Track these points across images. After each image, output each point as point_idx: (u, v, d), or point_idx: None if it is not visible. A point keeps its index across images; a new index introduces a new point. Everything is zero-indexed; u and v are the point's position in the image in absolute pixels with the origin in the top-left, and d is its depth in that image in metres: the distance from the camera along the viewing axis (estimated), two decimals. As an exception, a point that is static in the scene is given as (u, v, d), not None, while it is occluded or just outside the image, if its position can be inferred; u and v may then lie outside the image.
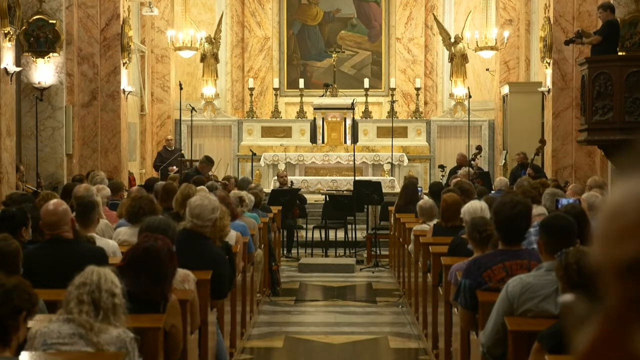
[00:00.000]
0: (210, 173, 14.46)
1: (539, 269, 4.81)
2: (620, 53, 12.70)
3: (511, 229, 5.34)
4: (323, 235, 15.13)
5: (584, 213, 6.23)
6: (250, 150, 19.72)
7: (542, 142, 16.46)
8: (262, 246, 10.71)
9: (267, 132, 21.43)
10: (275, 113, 21.81)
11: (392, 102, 20.99)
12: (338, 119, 20.94)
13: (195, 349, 5.77)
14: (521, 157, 16.45)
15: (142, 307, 4.67)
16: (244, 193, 10.27)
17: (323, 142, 20.96)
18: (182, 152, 19.52)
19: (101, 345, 4.09)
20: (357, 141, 20.62)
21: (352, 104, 19.88)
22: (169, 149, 18.78)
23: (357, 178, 16.95)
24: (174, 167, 17.49)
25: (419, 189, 13.43)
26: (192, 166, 16.70)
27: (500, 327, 4.75)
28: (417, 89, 21.72)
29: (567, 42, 12.97)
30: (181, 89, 18.77)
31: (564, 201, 7.78)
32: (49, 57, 15.01)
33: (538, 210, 7.34)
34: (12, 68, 12.80)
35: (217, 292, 6.32)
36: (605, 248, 0.87)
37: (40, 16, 14.99)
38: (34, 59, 14.97)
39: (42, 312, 4.67)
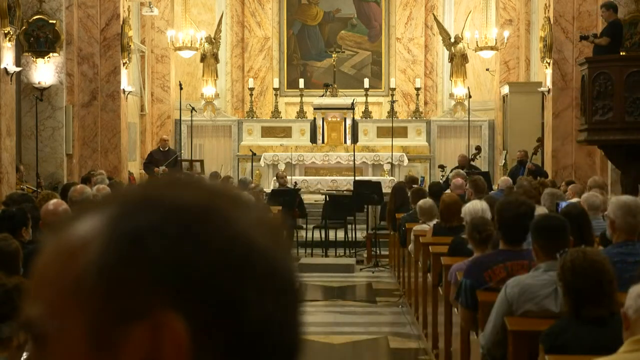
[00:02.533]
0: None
1: (536, 270, 4.81)
2: (620, 53, 12.71)
3: (515, 229, 5.35)
4: (323, 235, 15.13)
5: (584, 213, 6.23)
6: (250, 150, 19.72)
7: (539, 140, 16.54)
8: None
9: (267, 132, 21.43)
10: (275, 113, 21.80)
11: (392, 102, 20.98)
12: (338, 119, 20.94)
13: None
14: (522, 154, 16.51)
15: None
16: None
17: (323, 142, 20.96)
18: (178, 153, 19.06)
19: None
20: (357, 141, 20.62)
21: (352, 104, 19.88)
22: (162, 149, 18.25)
23: (357, 178, 16.95)
24: (160, 169, 16.88)
25: (421, 177, 13.42)
26: (191, 165, 16.73)
27: (499, 328, 4.75)
28: (417, 89, 21.71)
29: (582, 38, 12.97)
30: (181, 89, 18.77)
31: (563, 204, 7.78)
32: (49, 57, 15.01)
33: (539, 211, 7.34)
34: (12, 68, 12.80)
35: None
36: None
37: (40, 16, 14.99)
38: (34, 59, 14.97)
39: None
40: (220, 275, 0.87)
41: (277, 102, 21.82)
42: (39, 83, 14.91)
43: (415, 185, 12.94)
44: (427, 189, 12.44)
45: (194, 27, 21.37)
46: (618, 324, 3.62)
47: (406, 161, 20.46)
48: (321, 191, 17.92)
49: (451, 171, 16.34)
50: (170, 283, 0.85)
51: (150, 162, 17.77)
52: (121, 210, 0.89)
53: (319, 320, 10.15)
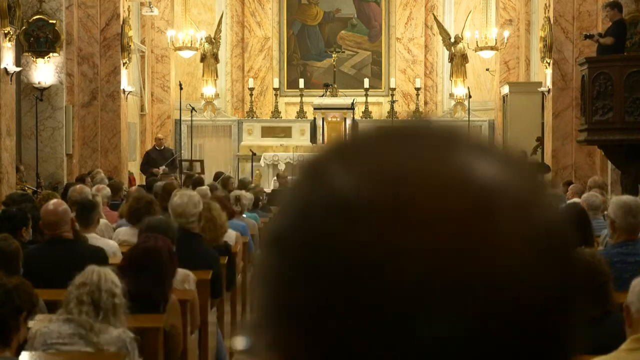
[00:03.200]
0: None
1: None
2: (624, 53, 12.67)
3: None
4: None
5: (584, 213, 6.23)
6: (250, 150, 19.71)
7: (538, 140, 16.58)
8: (262, 246, 10.69)
9: (267, 132, 21.43)
10: (275, 113, 21.81)
11: (392, 102, 20.99)
12: (338, 119, 20.94)
13: (195, 349, 5.77)
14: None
15: (142, 307, 4.67)
16: (240, 192, 10.27)
17: (323, 142, 20.95)
18: (175, 153, 18.86)
19: (101, 345, 4.09)
20: (357, 141, 20.59)
21: (352, 104, 19.88)
22: (158, 148, 18.17)
23: (357, 178, 16.94)
24: (160, 169, 16.88)
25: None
26: (191, 165, 16.78)
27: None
28: (417, 89, 21.72)
29: (586, 37, 12.93)
30: (181, 89, 18.76)
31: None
32: (49, 57, 15.01)
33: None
34: (12, 68, 12.79)
35: (212, 291, 6.30)
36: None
37: (40, 16, 14.98)
38: (34, 59, 14.96)
39: (42, 312, 4.67)
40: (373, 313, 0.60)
41: (277, 102, 21.83)
42: (39, 83, 14.90)
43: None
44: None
45: (194, 27, 21.38)
46: (614, 323, 3.62)
47: (406, 161, 20.43)
48: (321, 191, 17.90)
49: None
50: (285, 311, 0.64)
51: (147, 163, 17.74)
52: (293, 187, 0.68)
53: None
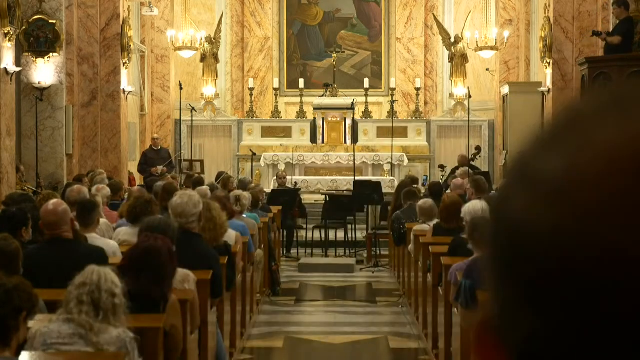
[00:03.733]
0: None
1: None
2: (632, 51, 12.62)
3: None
4: (323, 235, 15.12)
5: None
6: (250, 150, 19.71)
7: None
8: (262, 246, 10.72)
9: (267, 132, 21.42)
10: (275, 113, 21.80)
11: (392, 102, 20.97)
12: (338, 119, 20.93)
13: (195, 349, 5.77)
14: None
15: (142, 307, 4.67)
16: (240, 192, 10.28)
17: (323, 142, 20.95)
18: (175, 153, 18.92)
19: (101, 345, 4.09)
20: (357, 141, 20.61)
21: (352, 104, 19.88)
22: (155, 148, 18.24)
23: (357, 178, 16.95)
24: (158, 168, 17.05)
25: (424, 177, 13.45)
26: (191, 165, 16.81)
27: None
28: (417, 89, 21.71)
29: (594, 33, 12.87)
30: (181, 89, 18.75)
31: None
32: (49, 57, 15.01)
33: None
34: (12, 68, 12.79)
35: (212, 291, 6.31)
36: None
37: (40, 16, 14.98)
38: (34, 59, 14.96)
39: (42, 312, 4.67)
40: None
41: (277, 102, 21.82)
42: (39, 83, 14.90)
43: (415, 186, 12.95)
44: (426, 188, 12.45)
45: (194, 27, 21.37)
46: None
47: (406, 161, 20.45)
48: (321, 191, 17.92)
49: (452, 171, 16.34)
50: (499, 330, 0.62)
51: (145, 163, 17.82)
52: (512, 167, 0.65)
53: (319, 320, 10.16)
